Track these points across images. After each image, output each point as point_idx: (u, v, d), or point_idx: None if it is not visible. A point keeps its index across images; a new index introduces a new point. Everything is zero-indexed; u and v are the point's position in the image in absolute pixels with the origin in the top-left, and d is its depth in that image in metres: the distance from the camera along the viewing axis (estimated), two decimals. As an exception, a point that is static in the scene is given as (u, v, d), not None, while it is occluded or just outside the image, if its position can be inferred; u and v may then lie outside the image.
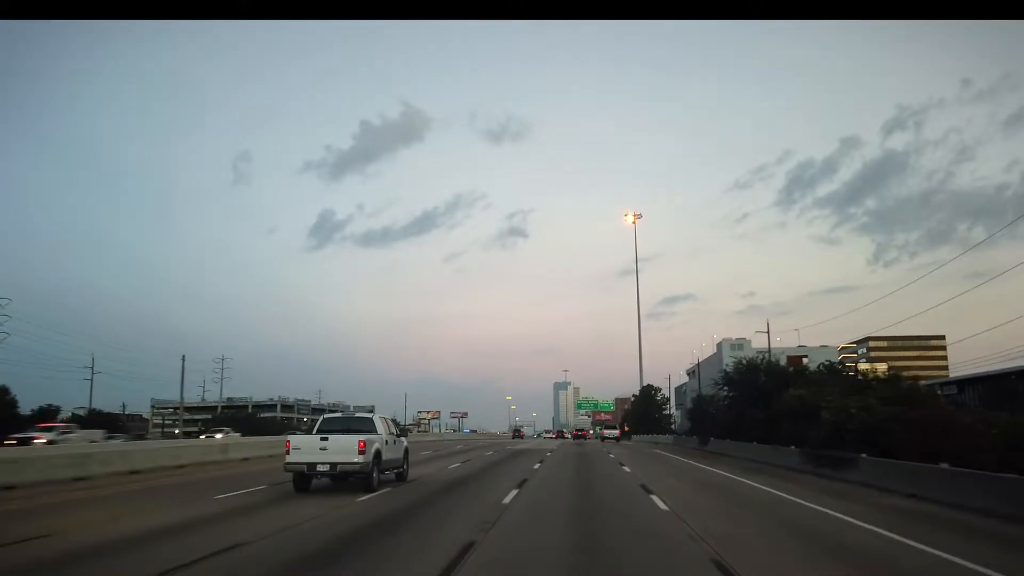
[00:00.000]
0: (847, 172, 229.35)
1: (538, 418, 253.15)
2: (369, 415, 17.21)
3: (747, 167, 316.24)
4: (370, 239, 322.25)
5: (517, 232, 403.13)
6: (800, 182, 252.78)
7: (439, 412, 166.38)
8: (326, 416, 16.87)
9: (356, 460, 14.61)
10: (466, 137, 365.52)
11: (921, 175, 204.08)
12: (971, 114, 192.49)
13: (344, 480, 15.48)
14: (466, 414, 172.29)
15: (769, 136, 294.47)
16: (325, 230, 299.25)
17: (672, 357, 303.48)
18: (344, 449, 14.70)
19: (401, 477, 17.53)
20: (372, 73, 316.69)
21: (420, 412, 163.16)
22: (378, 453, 15.39)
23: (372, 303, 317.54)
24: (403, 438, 17.90)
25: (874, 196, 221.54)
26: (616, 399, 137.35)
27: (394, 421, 18.13)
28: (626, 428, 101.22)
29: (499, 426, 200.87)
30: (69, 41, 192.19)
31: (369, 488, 14.81)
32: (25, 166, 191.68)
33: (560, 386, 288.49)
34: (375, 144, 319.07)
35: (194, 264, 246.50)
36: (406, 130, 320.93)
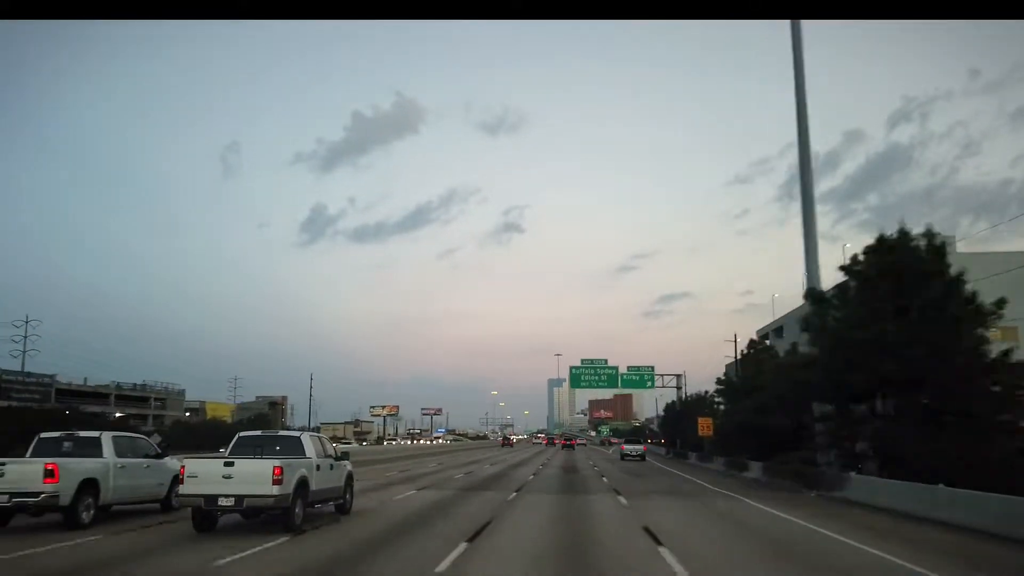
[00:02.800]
0: (850, 166, 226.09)
1: (530, 417, 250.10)
2: (296, 433, 13.86)
3: (748, 160, 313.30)
4: (363, 234, 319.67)
5: (513, 228, 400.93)
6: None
7: (397, 408, 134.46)
8: (242, 434, 13.42)
9: (270, 492, 11.24)
10: (461, 129, 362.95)
11: (925, 170, 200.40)
12: (978, 106, 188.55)
13: (258, 516, 12.18)
14: (440, 410, 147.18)
15: (770, 129, 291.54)
16: (317, 225, 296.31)
17: (674, 358, 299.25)
18: (255, 477, 11.33)
19: (342, 509, 14.21)
20: (364, 63, 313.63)
21: (373, 408, 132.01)
22: (303, 482, 12.03)
23: (364, 300, 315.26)
24: (345, 461, 14.48)
25: (876, 191, 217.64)
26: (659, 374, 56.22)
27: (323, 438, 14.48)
28: (706, 431, 42.12)
29: (491, 424, 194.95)
30: (59, 36, 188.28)
31: (289, 526, 11.53)
32: (17, 162, 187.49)
33: (555, 383, 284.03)
34: (367, 136, 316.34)
35: (183, 259, 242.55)
36: (399, 121, 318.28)
